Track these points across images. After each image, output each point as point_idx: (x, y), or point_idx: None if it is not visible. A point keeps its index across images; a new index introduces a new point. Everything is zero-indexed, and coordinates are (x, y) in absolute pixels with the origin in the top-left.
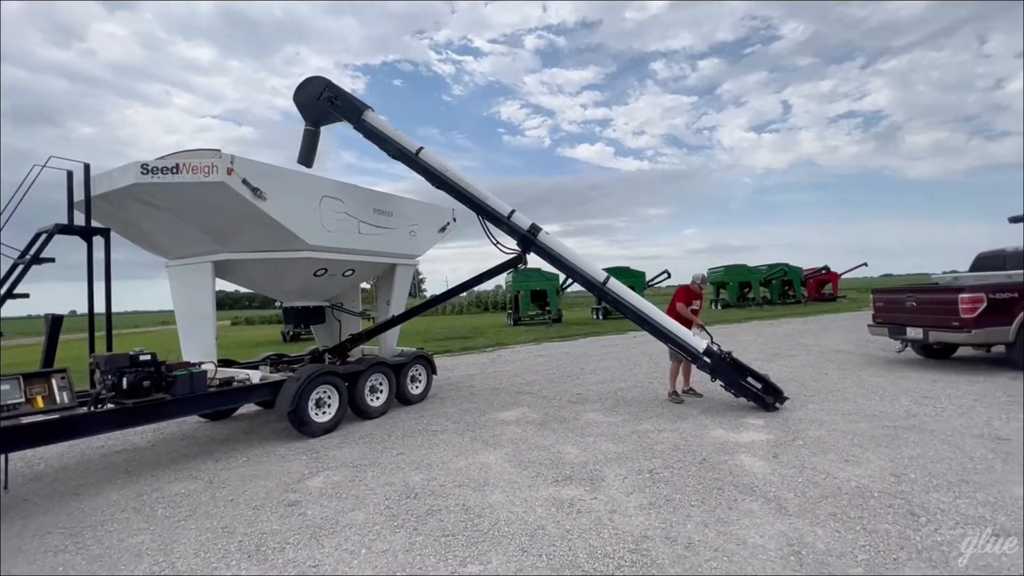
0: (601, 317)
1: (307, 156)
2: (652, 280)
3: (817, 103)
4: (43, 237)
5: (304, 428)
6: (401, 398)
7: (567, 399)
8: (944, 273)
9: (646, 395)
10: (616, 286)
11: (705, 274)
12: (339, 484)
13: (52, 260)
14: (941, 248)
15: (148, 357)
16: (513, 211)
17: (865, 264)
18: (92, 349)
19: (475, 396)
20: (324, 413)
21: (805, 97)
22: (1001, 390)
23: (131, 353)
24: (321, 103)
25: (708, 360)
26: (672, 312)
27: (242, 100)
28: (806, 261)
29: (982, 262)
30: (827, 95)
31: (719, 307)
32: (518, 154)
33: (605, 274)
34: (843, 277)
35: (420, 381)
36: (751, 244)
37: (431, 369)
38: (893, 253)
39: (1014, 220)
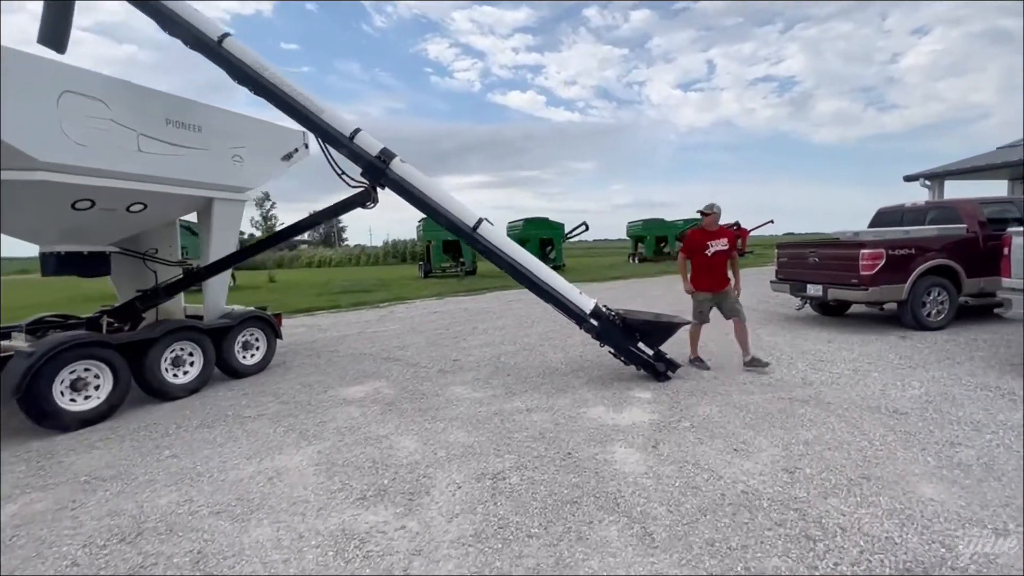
0: None
1: (54, 35)
2: (570, 232)
3: (738, 65)
4: None
5: (48, 421)
6: (228, 370)
7: (440, 367)
8: (844, 231)
9: (532, 361)
10: (489, 232)
11: (716, 205)
12: (31, 518)
13: None
14: (835, 210)
15: None
16: (358, 130)
17: (771, 222)
18: None
19: (332, 364)
20: (87, 398)
21: (728, 58)
22: (893, 351)
23: None
24: None
25: (595, 323)
26: (687, 271)
27: (120, 11)
28: (721, 219)
29: (882, 217)
30: (748, 57)
31: (636, 260)
32: (448, 98)
33: (477, 217)
34: (751, 234)
35: (257, 348)
36: (673, 200)
37: (273, 333)
38: (795, 213)
39: (908, 179)
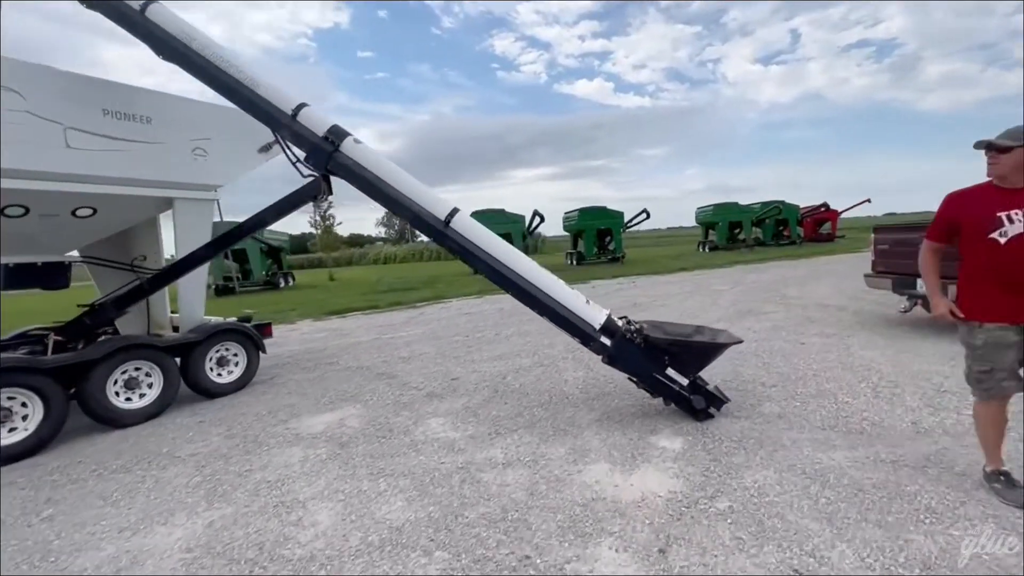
0: (574, 262)
1: None
2: (630, 221)
3: (827, 31)
4: None
5: None
6: (200, 390)
7: (432, 388)
8: None
9: (543, 382)
10: (465, 227)
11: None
12: None
13: None
14: (946, 185)
15: None
16: (303, 106)
17: (868, 201)
18: None
19: (319, 382)
20: (11, 430)
21: (815, 25)
22: None
23: None
24: None
25: (607, 342)
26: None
27: (222, 38)
28: (806, 200)
29: None
30: (838, 23)
31: (706, 249)
32: (515, 91)
33: (450, 209)
34: (843, 216)
35: (234, 364)
36: (751, 184)
37: (254, 347)
38: (899, 191)
39: None
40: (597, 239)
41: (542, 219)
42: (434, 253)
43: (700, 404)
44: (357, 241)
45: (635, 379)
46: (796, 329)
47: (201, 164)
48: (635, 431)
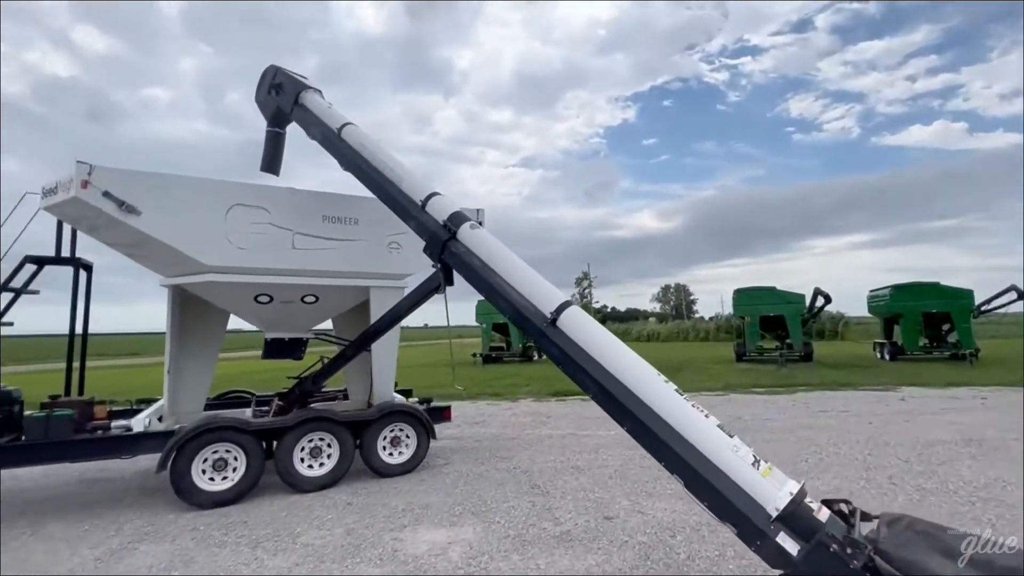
0: (886, 356)
1: (271, 162)
2: (987, 303)
3: None
4: (32, 269)
5: (186, 496)
6: (371, 467)
7: (571, 525)
8: None
9: (723, 560)
10: (576, 328)
11: None
12: None
13: (37, 292)
14: None
15: None
16: (434, 195)
17: None
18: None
19: (476, 480)
20: (224, 478)
21: None
22: None
23: None
24: (270, 94)
25: (789, 547)
26: None
27: (533, 148)
28: None
29: None
30: None
31: None
32: (815, 153)
33: (560, 302)
34: None
35: (406, 446)
36: None
37: (425, 431)
38: None
39: None
40: (925, 327)
41: (827, 299)
42: (701, 333)
43: None
44: (632, 315)
45: None
46: None
47: (395, 256)
48: None
